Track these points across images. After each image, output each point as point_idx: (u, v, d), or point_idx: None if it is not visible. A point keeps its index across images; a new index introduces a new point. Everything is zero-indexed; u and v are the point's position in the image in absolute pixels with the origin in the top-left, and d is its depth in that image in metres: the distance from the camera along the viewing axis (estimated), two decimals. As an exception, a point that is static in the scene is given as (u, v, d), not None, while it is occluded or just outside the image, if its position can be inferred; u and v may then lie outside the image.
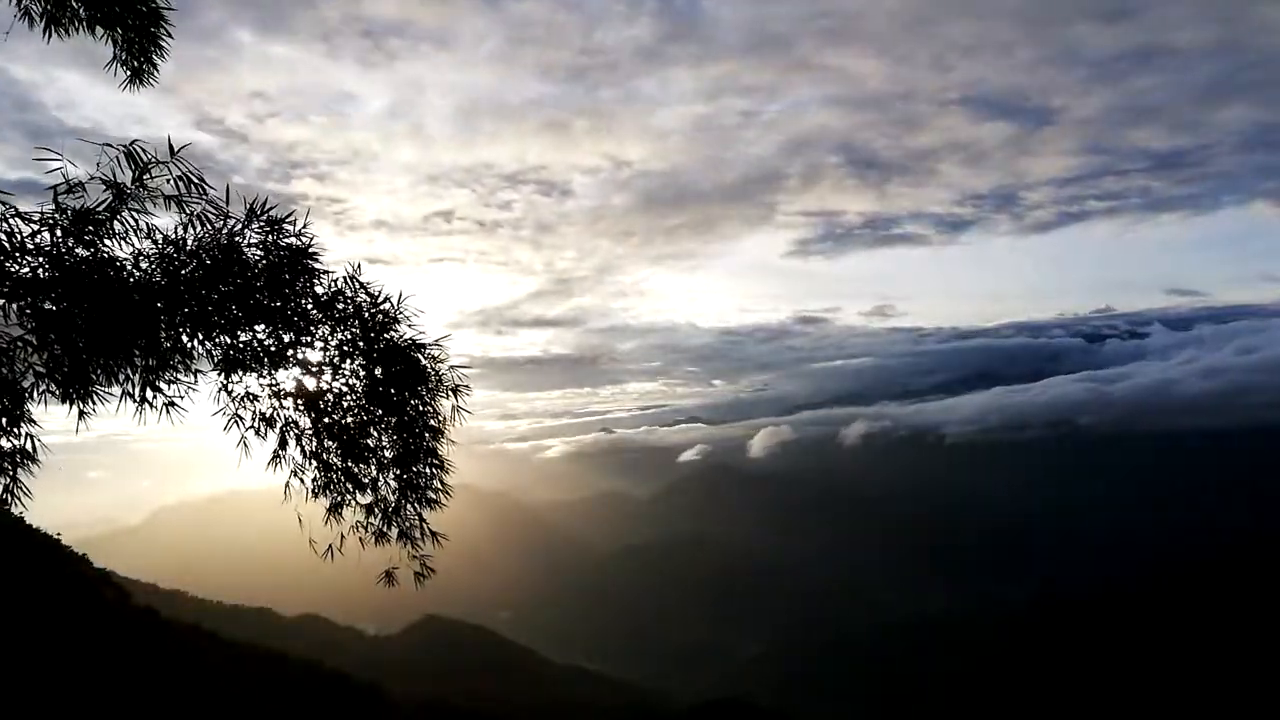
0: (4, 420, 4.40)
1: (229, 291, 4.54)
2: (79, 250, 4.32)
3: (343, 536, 5.05)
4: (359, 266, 4.81)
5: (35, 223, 4.25)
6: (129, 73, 5.76)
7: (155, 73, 5.80)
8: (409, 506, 5.14)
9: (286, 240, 4.65)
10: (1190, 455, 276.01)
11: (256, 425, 4.85)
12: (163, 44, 5.69)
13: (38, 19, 5.51)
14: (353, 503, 5.07)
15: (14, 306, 4.25)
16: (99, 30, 5.57)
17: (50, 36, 5.54)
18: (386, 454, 5.05)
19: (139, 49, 5.67)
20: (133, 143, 4.36)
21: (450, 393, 5.02)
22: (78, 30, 5.55)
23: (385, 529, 5.12)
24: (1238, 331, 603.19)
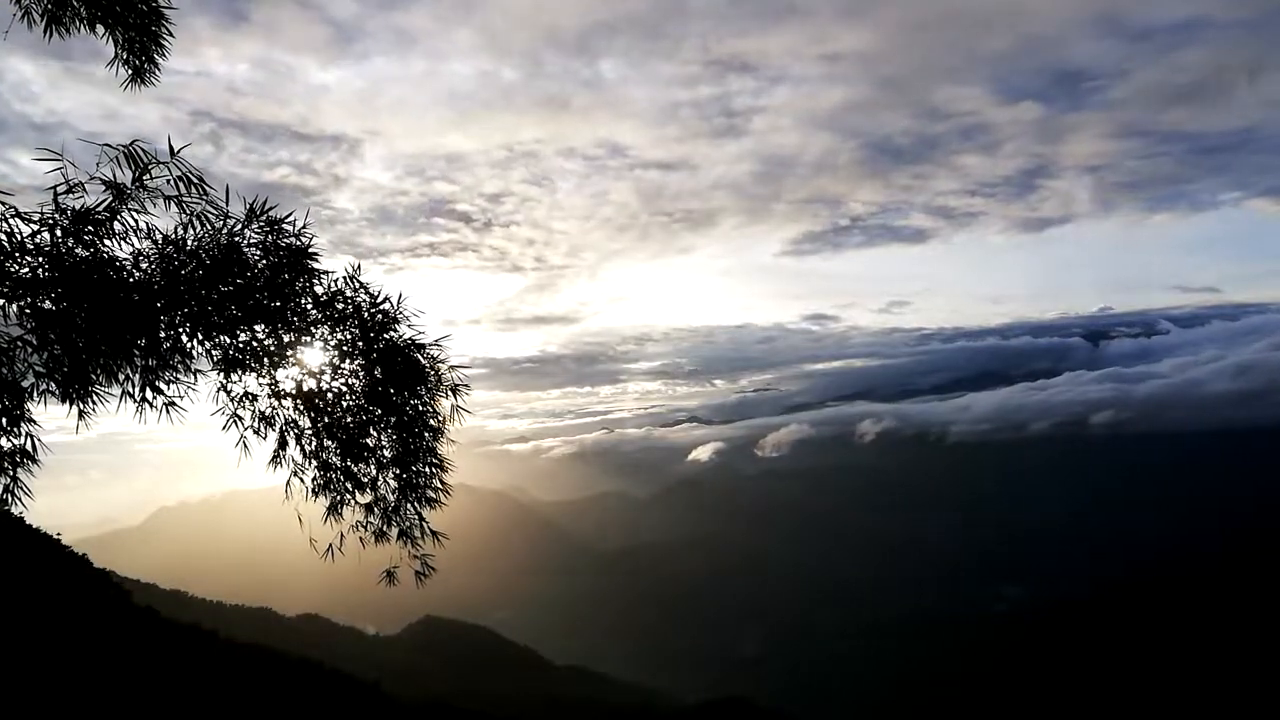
0: (4, 420, 4.40)
1: (229, 291, 4.55)
2: (79, 250, 4.33)
3: (343, 536, 5.05)
4: (358, 266, 4.83)
5: (35, 222, 4.25)
6: (130, 72, 5.75)
7: (157, 72, 5.80)
8: (409, 506, 5.14)
9: (286, 240, 4.66)
10: (1213, 454, 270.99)
11: (256, 425, 4.85)
12: (164, 43, 5.69)
13: (38, 18, 5.51)
14: (352, 502, 5.08)
15: (14, 306, 4.25)
16: (100, 29, 5.57)
17: (51, 36, 5.54)
18: (386, 453, 5.06)
19: (140, 48, 5.67)
20: (132, 142, 4.37)
21: (449, 392, 5.03)
22: (79, 30, 5.55)
23: (385, 528, 5.13)
24: (1255, 328, 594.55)
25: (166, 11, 5.61)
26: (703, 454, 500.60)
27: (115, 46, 5.64)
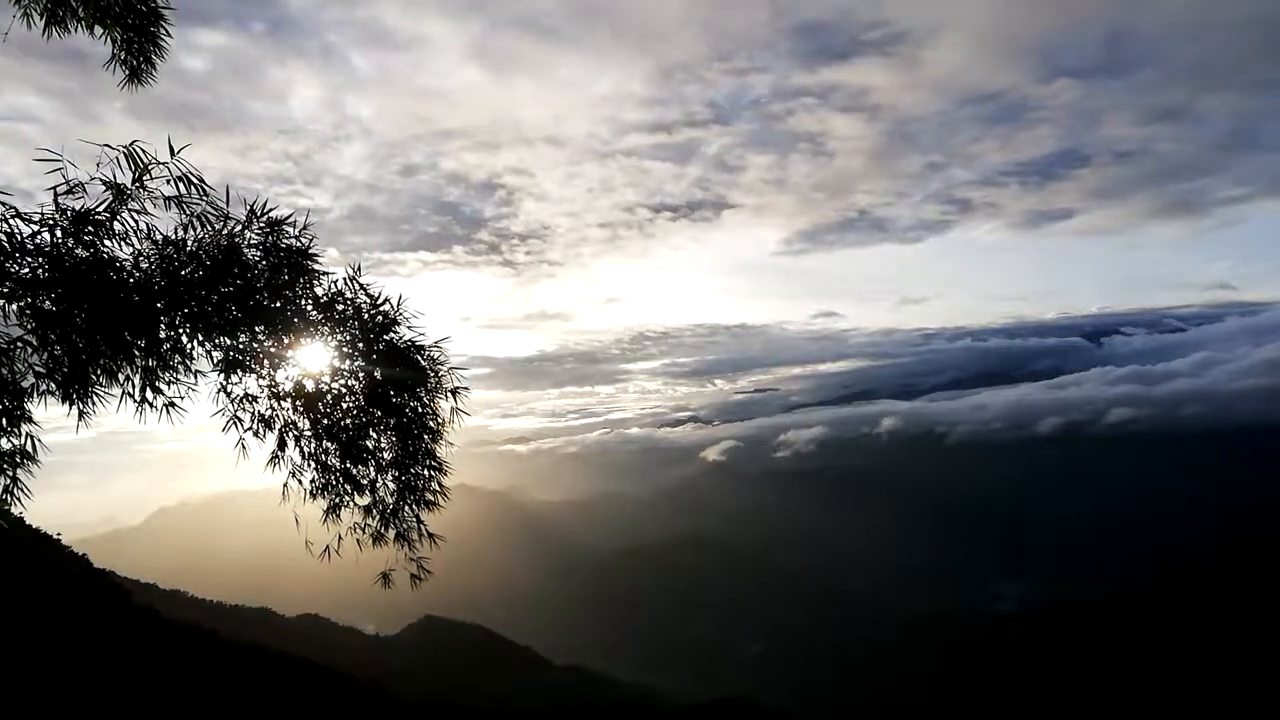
0: (4, 420, 4.41)
1: (229, 292, 4.55)
2: (79, 251, 4.33)
3: (340, 538, 5.05)
4: (358, 268, 4.82)
5: (35, 223, 4.26)
6: (127, 72, 5.75)
7: (154, 72, 5.80)
8: (407, 508, 5.14)
9: (286, 242, 4.66)
10: (1238, 452, 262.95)
11: (255, 426, 4.85)
12: (162, 43, 5.69)
13: (38, 18, 5.51)
14: (351, 504, 5.07)
15: (14, 306, 4.25)
16: (98, 29, 5.57)
17: (50, 36, 5.54)
18: (385, 455, 5.05)
19: (138, 48, 5.67)
20: (132, 143, 4.37)
21: (449, 394, 5.02)
22: (77, 30, 5.56)
23: (383, 530, 5.12)
24: (1278, 323, 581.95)
25: (164, 11, 5.61)
26: (703, 454, 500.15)
27: (113, 47, 5.65)
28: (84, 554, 59.32)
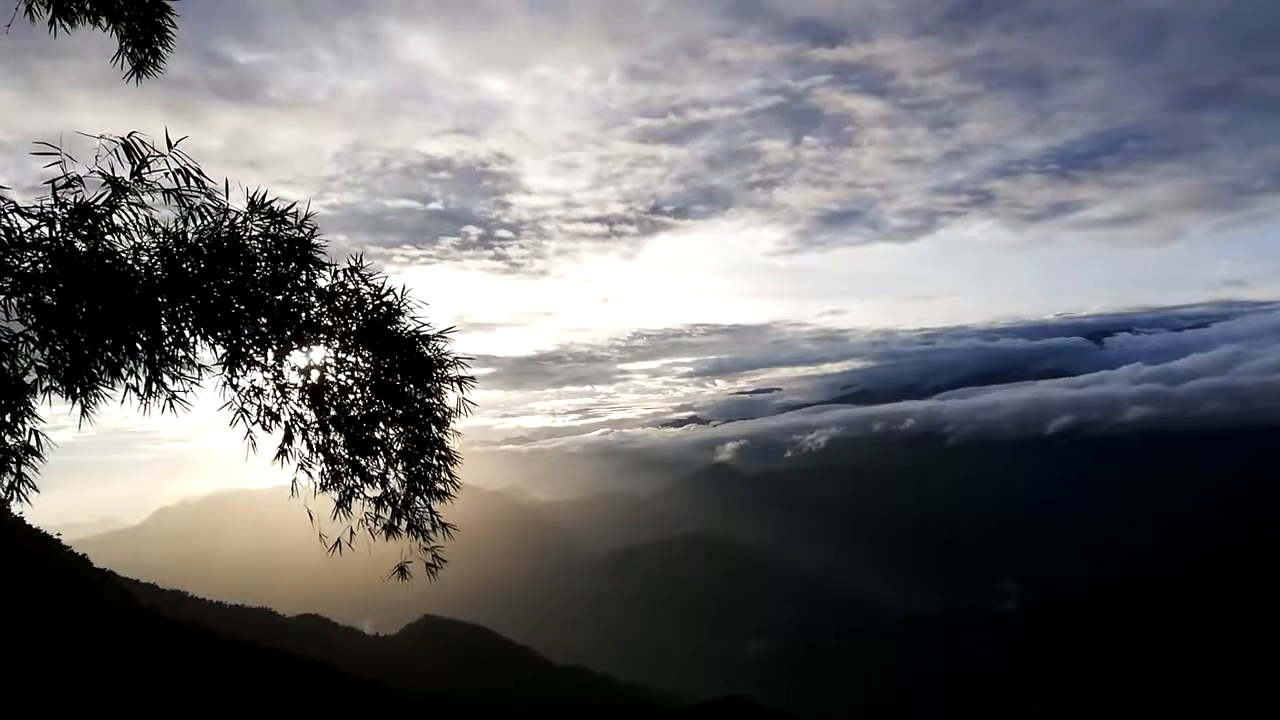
0: (7, 416, 4.38)
1: (230, 285, 4.52)
2: (79, 245, 4.30)
3: (352, 531, 5.03)
4: (361, 258, 4.79)
5: (34, 217, 4.23)
6: (133, 65, 5.72)
7: (161, 64, 5.76)
8: (418, 499, 5.13)
9: (288, 233, 4.62)
10: (1256, 451, 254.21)
11: (262, 420, 4.82)
12: (168, 35, 5.66)
13: (44, 11, 5.47)
14: (361, 496, 5.05)
15: (15, 301, 4.23)
16: (104, 21, 5.54)
17: (56, 29, 5.51)
18: (395, 447, 5.03)
19: (143, 41, 5.63)
20: (130, 134, 4.33)
21: (455, 384, 5.00)
22: (82, 22, 5.52)
23: (395, 522, 5.11)
24: None
25: (169, 3, 5.57)
26: (703, 454, 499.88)
27: (119, 40, 5.61)
28: (84, 554, 59.34)
